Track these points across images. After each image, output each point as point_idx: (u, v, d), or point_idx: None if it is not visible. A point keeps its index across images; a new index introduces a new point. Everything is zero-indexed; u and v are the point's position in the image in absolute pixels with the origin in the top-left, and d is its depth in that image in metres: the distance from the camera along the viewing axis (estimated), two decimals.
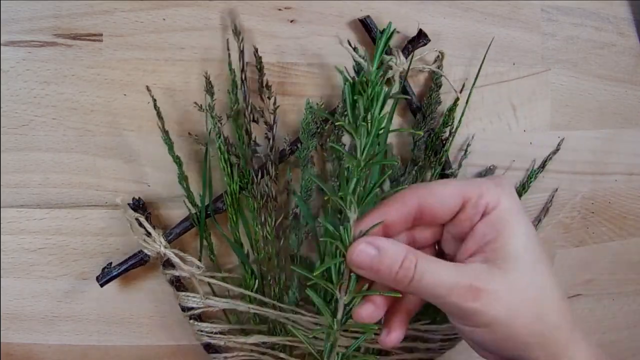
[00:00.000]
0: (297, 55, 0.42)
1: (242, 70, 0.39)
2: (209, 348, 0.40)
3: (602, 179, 0.50)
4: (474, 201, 0.30)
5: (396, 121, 0.44)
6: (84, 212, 0.40)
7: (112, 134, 0.40)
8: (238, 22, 0.40)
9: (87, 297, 0.41)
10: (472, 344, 0.32)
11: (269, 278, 0.40)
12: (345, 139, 0.41)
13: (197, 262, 0.38)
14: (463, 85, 0.44)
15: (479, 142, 0.45)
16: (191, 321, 0.39)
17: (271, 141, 0.39)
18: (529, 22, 0.47)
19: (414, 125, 0.44)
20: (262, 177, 0.39)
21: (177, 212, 0.41)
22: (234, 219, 0.39)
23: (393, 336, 0.32)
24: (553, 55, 0.47)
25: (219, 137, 0.38)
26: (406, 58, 0.42)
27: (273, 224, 0.39)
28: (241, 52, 0.39)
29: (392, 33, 0.29)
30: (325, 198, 0.40)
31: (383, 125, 0.29)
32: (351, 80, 0.28)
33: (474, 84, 0.44)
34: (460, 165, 0.45)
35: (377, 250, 0.29)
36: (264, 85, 0.39)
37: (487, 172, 0.46)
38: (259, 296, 0.39)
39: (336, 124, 0.29)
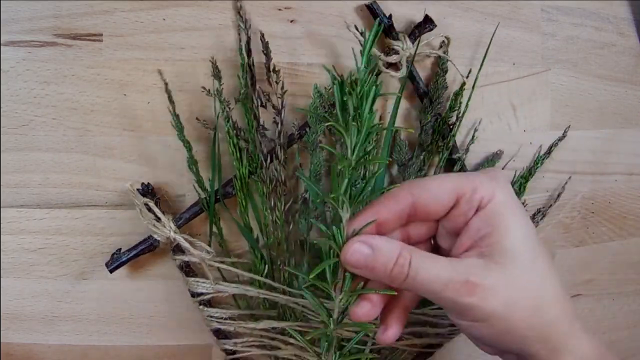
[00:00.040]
0: (297, 55, 0.42)
1: (249, 55, 0.39)
2: (219, 334, 0.40)
3: (602, 179, 0.50)
4: (468, 196, 0.30)
5: (403, 106, 0.44)
6: (84, 212, 0.40)
7: (112, 134, 0.40)
8: (244, 9, 0.39)
9: (87, 297, 0.41)
10: (472, 338, 0.32)
11: (279, 263, 0.40)
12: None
13: (207, 247, 0.38)
14: (470, 71, 0.44)
15: (479, 142, 0.45)
16: (201, 307, 0.40)
17: (280, 125, 0.39)
18: (529, 22, 0.47)
19: (421, 109, 0.44)
20: (271, 161, 0.39)
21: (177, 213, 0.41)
22: (244, 203, 0.40)
23: (390, 333, 0.32)
24: (553, 55, 0.47)
25: (228, 122, 0.38)
26: (413, 43, 0.42)
27: (282, 208, 0.40)
28: (248, 38, 0.39)
29: (380, 30, 0.29)
30: (317, 200, 0.40)
31: (373, 124, 0.28)
32: (339, 80, 0.28)
33: (474, 84, 0.44)
34: (467, 150, 0.45)
35: (371, 249, 0.29)
36: (272, 69, 0.39)
37: (493, 157, 0.46)
38: (268, 281, 0.39)
39: (326, 124, 0.29)
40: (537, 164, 0.46)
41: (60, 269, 0.40)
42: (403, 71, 0.41)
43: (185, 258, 0.39)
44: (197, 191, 0.39)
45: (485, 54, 0.44)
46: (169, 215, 0.38)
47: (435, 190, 0.30)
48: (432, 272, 0.29)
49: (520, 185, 0.46)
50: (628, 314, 0.52)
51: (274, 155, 0.39)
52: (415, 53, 0.42)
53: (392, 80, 0.43)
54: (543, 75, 0.47)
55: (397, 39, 0.41)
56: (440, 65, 0.43)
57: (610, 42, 0.49)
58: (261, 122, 0.39)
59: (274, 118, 0.39)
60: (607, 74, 0.49)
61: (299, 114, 0.42)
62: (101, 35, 0.39)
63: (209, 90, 0.39)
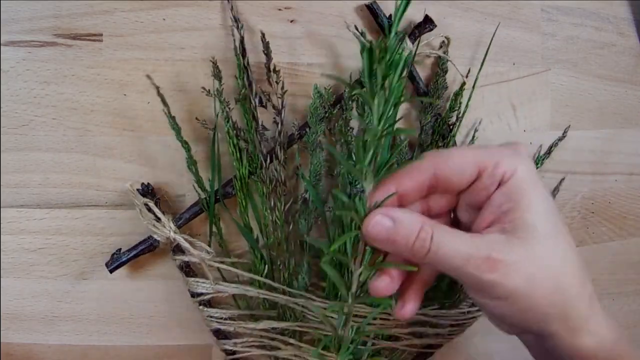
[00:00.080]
0: (297, 55, 0.42)
1: (244, 56, 0.39)
2: (219, 334, 0.40)
3: (602, 179, 0.50)
4: (490, 170, 0.29)
5: (403, 106, 0.44)
6: (84, 212, 0.40)
7: (112, 134, 0.40)
8: (236, 8, 0.39)
9: (87, 297, 0.41)
10: (491, 317, 0.32)
11: (279, 263, 0.40)
12: (353, 123, 0.41)
13: (207, 247, 0.38)
14: (469, 71, 0.44)
15: (479, 142, 0.45)
16: (201, 307, 0.40)
17: (279, 126, 0.39)
18: (529, 22, 0.47)
19: (421, 109, 0.44)
20: (271, 161, 0.39)
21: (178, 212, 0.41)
22: (243, 203, 0.40)
23: (408, 308, 0.31)
24: (553, 55, 0.47)
25: (228, 122, 0.38)
26: (413, 43, 0.42)
27: (282, 208, 0.40)
28: (241, 38, 0.39)
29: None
30: (341, 171, 0.38)
31: (401, 92, 0.28)
32: (369, 45, 0.27)
33: (474, 84, 0.44)
34: None
35: (392, 222, 0.28)
36: (272, 69, 0.39)
37: None
38: (268, 281, 0.39)
39: (353, 93, 0.28)
40: (537, 164, 0.46)
41: (60, 269, 0.40)
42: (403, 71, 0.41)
43: (185, 258, 0.39)
44: (197, 191, 0.39)
45: (485, 54, 0.44)
46: (169, 215, 0.38)
47: (458, 162, 0.30)
48: (453, 247, 0.28)
49: None
50: (628, 314, 0.52)
51: (273, 156, 0.39)
52: (415, 53, 0.42)
53: None
54: (543, 75, 0.47)
55: None
56: (440, 65, 0.43)
57: (610, 42, 0.49)
58: (261, 122, 0.39)
59: (274, 118, 0.39)
60: (607, 74, 0.49)
61: (299, 114, 0.42)
62: (101, 35, 0.39)
63: (209, 90, 0.39)
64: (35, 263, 0.40)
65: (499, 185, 0.29)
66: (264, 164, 0.39)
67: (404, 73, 0.28)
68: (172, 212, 0.40)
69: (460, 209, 0.32)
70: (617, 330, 0.31)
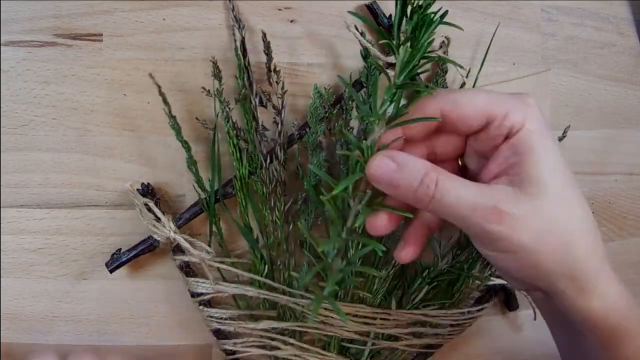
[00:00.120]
0: (297, 55, 0.42)
1: (245, 56, 0.39)
2: (219, 334, 0.40)
3: (602, 179, 0.50)
4: (498, 122, 0.29)
5: None
6: (84, 212, 0.40)
7: (112, 134, 0.40)
8: (237, 8, 0.39)
9: (87, 297, 0.41)
10: (499, 270, 0.31)
11: (279, 263, 0.40)
12: (354, 122, 0.41)
13: (207, 247, 0.38)
14: (469, 71, 0.44)
15: None
16: (201, 307, 0.40)
17: (279, 126, 0.39)
18: (529, 22, 0.47)
19: None
20: (271, 161, 0.39)
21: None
22: (244, 203, 0.40)
23: (407, 251, 0.31)
24: (553, 55, 0.47)
25: (228, 122, 0.38)
26: None
27: (282, 208, 0.40)
28: (242, 38, 0.39)
29: None
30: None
31: (427, 50, 0.28)
32: None
33: (474, 84, 0.44)
34: None
35: (396, 164, 0.28)
36: (272, 69, 0.39)
37: None
38: (268, 281, 0.39)
39: (381, 41, 0.28)
40: None
41: (60, 269, 0.40)
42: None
43: (185, 258, 0.39)
44: (197, 191, 0.39)
45: (485, 54, 0.44)
46: (169, 215, 0.38)
47: (465, 108, 0.29)
48: (460, 195, 0.27)
49: None
50: None
51: (273, 156, 0.39)
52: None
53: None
54: (543, 75, 0.47)
55: None
56: (440, 66, 0.43)
57: (610, 42, 0.49)
58: (261, 122, 0.39)
59: (274, 118, 0.39)
60: (607, 74, 0.49)
61: (299, 114, 0.42)
62: (101, 35, 0.39)
63: (209, 90, 0.39)
64: (35, 263, 0.40)
65: (507, 137, 0.29)
66: (264, 164, 0.39)
67: (434, 28, 0.27)
68: (172, 212, 0.40)
69: (469, 155, 0.32)
70: (629, 297, 0.30)
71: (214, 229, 0.40)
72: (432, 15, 0.27)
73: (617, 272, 0.30)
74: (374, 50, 0.40)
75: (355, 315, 0.40)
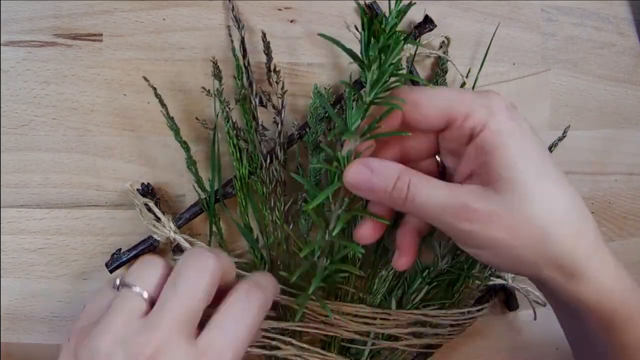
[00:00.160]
0: (297, 55, 0.42)
1: (245, 56, 0.39)
2: None
3: (602, 179, 0.50)
4: (459, 123, 0.29)
5: None
6: (84, 212, 0.40)
7: (112, 134, 0.40)
8: (236, 8, 0.40)
9: (87, 297, 0.41)
10: (485, 264, 0.32)
11: (279, 263, 0.40)
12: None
13: (207, 247, 0.38)
14: (469, 71, 0.44)
15: None
16: None
17: (279, 126, 0.39)
18: (529, 22, 0.47)
19: None
20: (271, 161, 0.39)
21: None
22: (244, 203, 0.40)
23: (403, 260, 0.33)
24: (553, 55, 0.47)
25: (228, 122, 0.38)
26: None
27: (282, 208, 0.40)
28: (242, 38, 0.39)
29: None
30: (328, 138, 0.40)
31: (395, 69, 0.29)
32: (368, 16, 0.28)
33: (474, 84, 0.44)
34: None
35: (371, 171, 0.29)
36: (272, 69, 0.39)
37: None
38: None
39: (350, 62, 0.30)
40: None
41: (60, 269, 0.40)
42: (403, 71, 0.41)
43: None
44: (197, 191, 0.39)
45: (485, 54, 0.44)
46: (169, 215, 0.38)
47: (425, 109, 0.30)
48: (430, 195, 0.28)
49: None
50: None
51: (273, 156, 0.39)
52: (415, 53, 0.42)
53: None
54: (543, 75, 0.47)
55: None
56: (440, 66, 0.44)
57: (610, 42, 0.49)
58: (261, 122, 0.39)
59: (274, 118, 0.39)
60: (607, 74, 0.49)
61: (299, 114, 0.42)
62: (101, 35, 0.39)
63: (209, 90, 0.39)
64: (35, 263, 0.40)
65: (471, 137, 0.29)
66: (264, 164, 0.39)
67: (402, 47, 0.28)
68: (172, 212, 0.40)
69: (443, 154, 0.32)
70: (629, 282, 0.30)
71: (214, 229, 0.40)
72: (398, 36, 0.27)
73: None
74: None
75: (355, 315, 0.40)
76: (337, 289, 0.41)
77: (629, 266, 0.53)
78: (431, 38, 0.43)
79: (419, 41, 0.42)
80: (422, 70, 0.44)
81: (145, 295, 0.28)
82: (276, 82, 0.39)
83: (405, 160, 0.32)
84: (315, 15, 0.42)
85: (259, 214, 0.40)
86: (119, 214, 0.40)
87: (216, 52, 0.40)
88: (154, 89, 0.37)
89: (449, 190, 0.28)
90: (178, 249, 0.39)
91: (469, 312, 0.42)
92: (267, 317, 0.39)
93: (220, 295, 0.29)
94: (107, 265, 0.39)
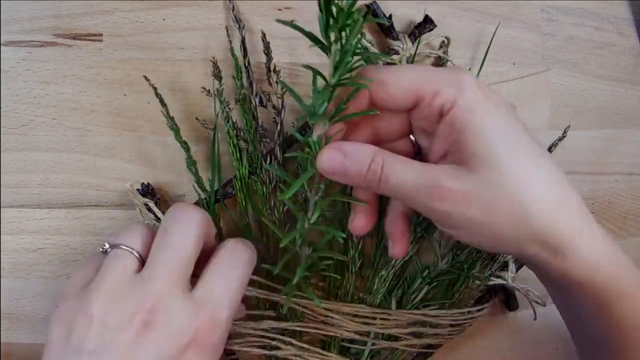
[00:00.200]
0: (297, 55, 0.42)
1: (245, 56, 0.39)
2: None
3: (602, 179, 0.50)
4: (428, 102, 0.29)
5: None
6: (84, 212, 0.40)
7: (112, 134, 0.40)
8: (237, 8, 0.40)
9: None
10: (466, 244, 0.32)
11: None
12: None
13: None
14: (469, 70, 0.44)
15: None
16: None
17: (279, 126, 0.39)
18: (529, 22, 0.47)
19: None
20: (271, 162, 0.39)
21: None
22: (244, 203, 0.40)
23: (398, 247, 0.33)
24: (553, 55, 0.47)
25: (228, 122, 0.38)
26: (413, 43, 0.42)
27: (282, 208, 0.40)
28: (242, 38, 0.39)
29: None
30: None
31: (358, 50, 0.28)
32: None
33: None
34: None
35: (343, 155, 0.29)
36: (272, 69, 0.39)
37: None
38: (267, 282, 0.39)
39: (311, 46, 0.29)
40: None
41: (60, 269, 0.40)
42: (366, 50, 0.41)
43: None
44: (197, 191, 0.39)
45: (485, 54, 0.44)
46: None
47: (392, 88, 0.29)
48: (403, 176, 0.28)
49: None
50: None
51: (273, 156, 0.39)
52: (415, 53, 0.42)
53: None
54: (543, 75, 0.47)
55: (397, 39, 0.42)
56: (440, 66, 0.44)
57: (610, 42, 0.49)
58: (261, 122, 0.39)
59: (274, 118, 0.39)
60: (607, 74, 0.49)
61: (299, 114, 0.42)
62: (101, 35, 0.39)
63: (209, 90, 0.39)
64: (35, 263, 0.40)
65: (441, 115, 0.29)
66: (264, 164, 0.39)
67: (361, 25, 0.28)
68: None
69: (417, 133, 0.32)
70: (621, 258, 0.29)
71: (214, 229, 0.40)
72: (357, 14, 0.27)
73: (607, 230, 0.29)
74: (374, 50, 0.40)
75: (355, 315, 0.40)
76: (337, 289, 0.41)
77: None
78: (431, 38, 0.43)
79: (418, 42, 0.42)
80: None
81: (136, 252, 0.28)
82: (276, 82, 0.39)
83: (379, 141, 0.31)
84: (315, 15, 0.42)
85: (259, 214, 0.40)
86: (119, 214, 0.40)
87: (216, 52, 0.40)
88: (155, 88, 0.37)
89: (423, 170, 0.28)
90: None
91: (469, 312, 0.42)
92: (267, 317, 0.39)
93: (203, 259, 0.30)
94: None
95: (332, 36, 0.28)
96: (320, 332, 0.39)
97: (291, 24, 0.30)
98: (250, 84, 0.39)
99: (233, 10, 0.39)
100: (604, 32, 0.49)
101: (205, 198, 0.39)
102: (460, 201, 0.27)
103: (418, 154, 0.33)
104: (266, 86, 0.40)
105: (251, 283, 0.40)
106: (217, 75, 0.39)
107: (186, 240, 0.28)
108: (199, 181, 0.39)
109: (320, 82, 0.29)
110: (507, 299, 0.46)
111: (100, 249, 0.30)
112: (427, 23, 0.42)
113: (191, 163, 0.39)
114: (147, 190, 0.39)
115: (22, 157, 0.39)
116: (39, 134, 0.39)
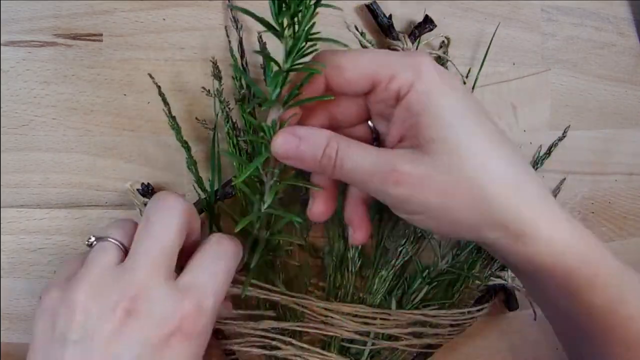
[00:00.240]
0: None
1: (242, 56, 0.39)
2: (219, 334, 0.40)
3: (602, 179, 0.50)
4: (384, 86, 0.28)
5: None
6: (84, 212, 0.40)
7: (112, 134, 0.40)
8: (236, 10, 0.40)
9: None
10: (425, 230, 0.32)
11: (278, 263, 0.40)
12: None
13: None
14: (469, 71, 0.44)
15: None
16: None
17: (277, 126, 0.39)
18: (529, 22, 0.47)
19: None
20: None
21: None
22: (244, 203, 0.39)
23: (359, 234, 0.32)
24: (553, 55, 0.47)
25: (228, 122, 0.38)
26: (413, 43, 0.42)
27: (287, 201, 0.39)
28: (240, 39, 0.39)
29: None
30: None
31: (311, 34, 0.28)
32: None
33: (474, 84, 0.44)
34: None
35: (298, 139, 0.28)
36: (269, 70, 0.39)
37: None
38: (268, 285, 0.39)
39: (260, 32, 0.29)
40: (537, 164, 0.46)
41: None
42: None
43: None
44: (196, 191, 0.39)
45: (485, 54, 0.44)
46: None
47: (349, 72, 0.29)
48: (358, 161, 0.28)
49: None
50: None
51: None
52: None
53: None
54: (543, 75, 0.47)
55: (397, 39, 0.41)
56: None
57: (610, 42, 0.49)
58: (259, 122, 0.39)
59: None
60: (607, 74, 0.49)
61: None
62: (101, 35, 0.39)
63: (209, 90, 0.39)
64: (35, 263, 0.40)
65: (398, 99, 0.28)
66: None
67: (313, 11, 0.28)
68: None
69: (374, 119, 0.31)
70: (590, 241, 0.29)
71: (214, 229, 0.40)
72: (309, 1, 0.28)
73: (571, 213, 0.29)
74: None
75: (355, 315, 0.40)
76: (337, 289, 0.41)
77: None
78: (431, 38, 0.43)
79: (418, 42, 0.42)
80: None
81: (120, 244, 0.28)
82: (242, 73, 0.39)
83: (337, 127, 0.31)
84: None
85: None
86: (119, 214, 0.40)
87: (216, 52, 0.40)
88: (159, 87, 0.37)
89: (378, 154, 0.28)
90: None
91: (469, 312, 0.42)
92: (267, 317, 0.39)
93: (189, 251, 0.30)
94: None
95: (285, 22, 0.28)
96: (320, 332, 0.39)
97: (243, 10, 0.30)
98: (248, 84, 0.39)
99: (231, 10, 0.39)
100: (604, 32, 0.49)
101: (205, 198, 0.39)
102: (415, 185, 0.27)
103: (376, 140, 0.33)
104: (264, 86, 0.40)
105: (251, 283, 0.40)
106: (217, 76, 0.39)
107: (168, 229, 0.28)
108: (199, 181, 0.39)
109: (275, 68, 0.29)
110: (507, 299, 0.46)
111: (86, 242, 0.30)
112: (427, 23, 0.42)
113: (192, 163, 0.39)
114: (147, 190, 0.39)
115: (22, 157, 0.39)
116: (39, 134, 0.39)
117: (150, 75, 0.37)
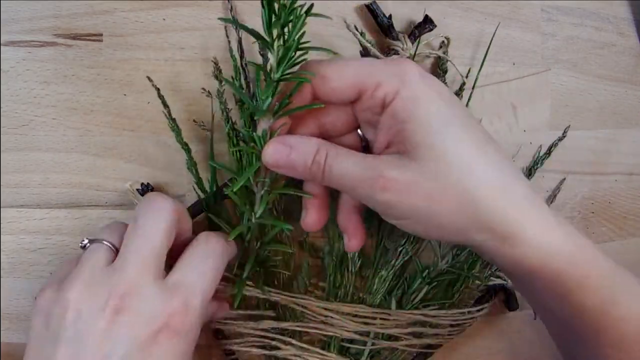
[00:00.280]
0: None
1: (242, 57, 0.39)
2: (219, 334, 0.40)
3: (602, 179, 0.50)
4: (370, 93, 0.29)
5: None
6: (84, 212, 0.40)
7: (112, 134, 0.40)
8: (235, 8, 0.40)
9: None
10: (415, 235, 0.32)
11: (278, 263, 0.40)
12: None
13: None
14: (469, 71, 0.44)
15: None
16: None
17: None
18: (529, 22, 0.47)
19: None
20: None
21: None
22: (237, 212, 0.40)
23: (354, 242, 0.33)
24: (553, 55, 0.47)
25: (227, 122, 0.38)
26: (412, 43, 0.42)
27: (281, 207, 0.39)
28: (239, 39, 0.39)
29: None
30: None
31: (300, 45, 0.29)
32: None
33: (474, 84, 0.44)
34: None
35: (289, 148, 0.29)
36: (267, 70, 0.39)
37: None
38: (268, 288, 0.39)
39: (253, 42, 0.30)
40: (537, 164, 0.46)
41: None
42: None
43: None
44: (196, 192, 0.39)
45: (485, 54, 0.44)
46: None
47: (334, 82, 0.29)
48: (345, 167, 0.28)
49: None
50: None
51: None
52: (415, 53, 0.42)
53: None
54: (543, 75, 0.47)
55: (397, 39, 0.41)
56: (440, 66, 0.43)
57: (610, 42, 0.49)
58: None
59: None
60: (607, 74, 0.49)
61: None
62: (101, 35, 0.39)
63: (209, 91, 0.39)
64: (35, 263, 0.40)
65: (384, 107, 0.29)
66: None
67: (303, 21, 0.28)
68: None
69: (363, 127, 0.32)
70: (579, 242, 0.29)
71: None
72: (299, 10, 0.28)
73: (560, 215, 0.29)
74: (374, 50, 0.40)
75: (355, 315, 0.40)
76: (337, 289, 0.41)
77: (629, 266, 0.53)
78: (431, 38, 0.43)
79: (418, 42, 0.42)
80: None
81: (111, 245, 0.29)
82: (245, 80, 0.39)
83: (326, 136, 0.32)
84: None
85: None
86: (119, 214, 0.40)
87: (216, 53, 0.40)
88: (158, 89, 0.37)
89: (365, 161, 0.28)
90: None
91: (469, 312, 0.42)
92: (267, 317, 0.39)
93: (178, 250, 0.30)
94: None
95: (275, 32, 0.28)
96: (320, 332, 0.39)
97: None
98: (247, 85, 0.39)
99: (231, 10, 0.39)
100: (604, 32, 0.49)
101: (205, 198, 0.39)
102: (402, 190, 0.27)
103: (366, 148, 0.33)
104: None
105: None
106: (218, 76, 0.39)
107: (157, 228, 0.29)
108: (198, 182, 0.39)
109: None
110: (507, 299, 0.46)
111: (80, 245, 0.31)
112: (427, 23, 0.42)
113: (192, 164, 0.39)
114: (147, 190, 0.39)
115: (22, 157, 0.39)
116: (39, 134, 0.39)
117: (149, 78, 0.37)
